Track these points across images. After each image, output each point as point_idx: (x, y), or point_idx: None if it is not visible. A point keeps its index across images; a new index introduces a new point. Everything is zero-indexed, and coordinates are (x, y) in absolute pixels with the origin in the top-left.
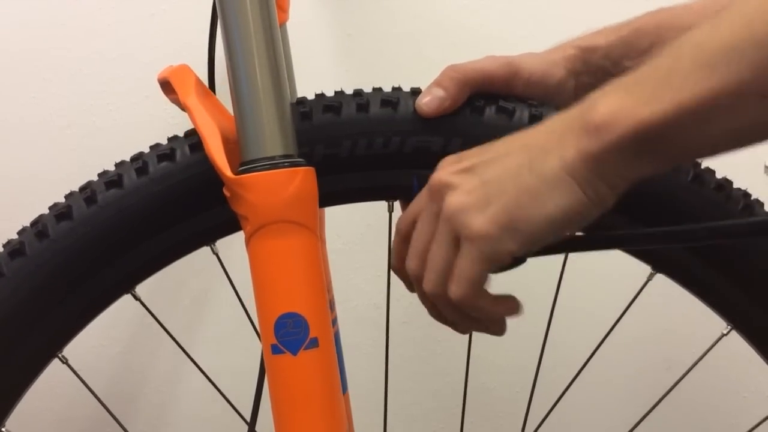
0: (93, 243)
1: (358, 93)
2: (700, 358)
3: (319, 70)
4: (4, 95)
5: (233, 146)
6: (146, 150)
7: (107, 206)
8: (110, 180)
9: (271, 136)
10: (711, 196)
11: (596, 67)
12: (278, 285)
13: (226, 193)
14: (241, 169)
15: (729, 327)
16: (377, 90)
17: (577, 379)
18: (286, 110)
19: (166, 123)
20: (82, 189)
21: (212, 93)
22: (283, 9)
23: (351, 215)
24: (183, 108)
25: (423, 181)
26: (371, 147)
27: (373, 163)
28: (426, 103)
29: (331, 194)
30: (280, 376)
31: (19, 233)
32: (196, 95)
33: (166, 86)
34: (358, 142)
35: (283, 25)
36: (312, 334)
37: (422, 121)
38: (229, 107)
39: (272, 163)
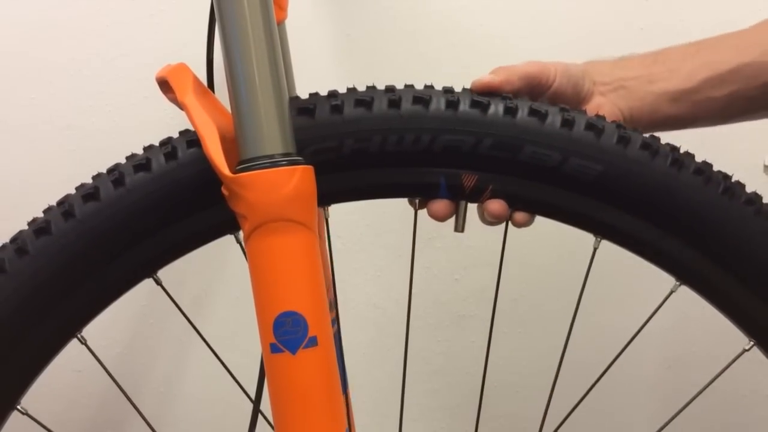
0: (118, 225)
1: (390, 89)
2: (721, 372)
3: (319, 69)
4: (3, 96)
5: (231, 145)
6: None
7: (134, 189)
8: (138, 163)
9: (269, 135)
10: (740, 209)
11: (610, 70)
12: (277, 283)
13: (225, 192)
14: (239, 167)
15: (751, 342)
16: (409, 86)
17: (577, 379)
18: (284, 108)
19: (165, 123)
20: (110, 171)
21: (210, 92)
22: (282, 7)
23: (350, 216)
24: (181, 107)
25: (450, 180)
26: (401, 143)
27: (401, 160)
28: (480, 78)
29: (359, 189)
30: (280, 375)
31: (44, 212)
32: (194, 94)
33: (164, 85)
34: (388, 138)
35: (281, 23)
36: (311, 332)
37: (453, 120)
38: (228, 106)
39: (270, 162)
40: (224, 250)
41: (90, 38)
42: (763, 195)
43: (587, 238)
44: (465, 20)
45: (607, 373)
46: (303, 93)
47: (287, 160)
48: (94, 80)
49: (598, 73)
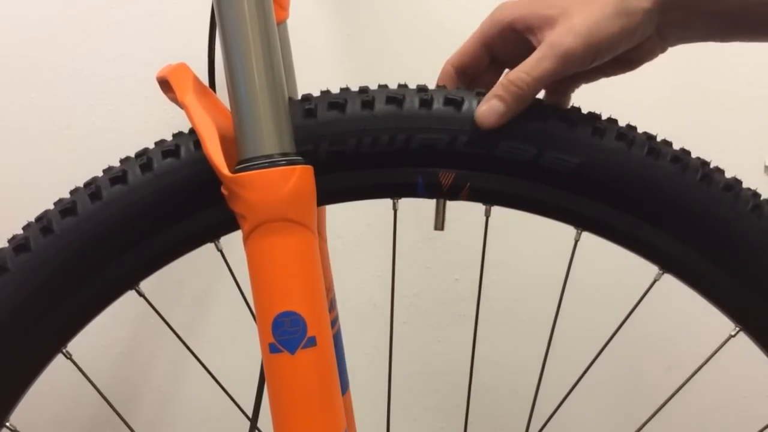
0: (97, 239)
1: (363, 90)
2: (708, 359)
3: (320, 69)
4: (3, 96)
5: (232, 145)
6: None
7: (112, 202)
8: (115, 176)
9: (268, 135)
10: (719, 195)
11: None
12: (275, 283)
13: (224, 191)
14: (238, 167)
15: (737, 328)
16: (383, 87)
17: (574, 379)
18: (283, 108)
19: (165, 123)
20: (87, 185)
21: (211, 91)
22: (283, 7)
23: (351, 215)
24: (181, 107)
25: (428, 179)
26: (376, 144)
27: (378, 161)
28: (486, 115)
29: (336, 192)
30: (278, 375)
31: (24, 228)
32: (194, 93)
33: (165, 85)
34: (363, 140)
35: (283, 23)
36: (310, 332)
37: (428, 119)
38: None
39: (269, 162)
40: (225, 250)
41: (91, 38)
42: (763, 195)
43: (589, 237)
44: (465, 20)
45: (607, 373)
46: (305, 93)
47: (286, 160)
48: (94, 80)
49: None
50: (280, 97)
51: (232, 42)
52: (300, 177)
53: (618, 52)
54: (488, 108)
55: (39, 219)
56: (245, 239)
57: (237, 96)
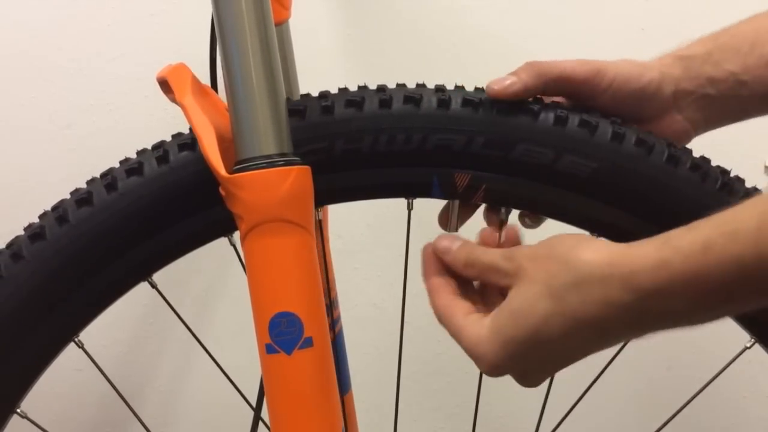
0: (112, 229)
1: (381, 88)
2: (721, 371)
3: (320, 69)
4: (4, 96)
5: (230, 144)
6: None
7: (127, 193)
8: (131, 167)
9: (266, 135)
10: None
11: (697, 73)
12: (272, 284)
13: (222, 192)
14: (235, 168)
15: (752, 340)
16: (401, 86)
17: (577, 379)
18: (280, 109)
19: (166, 123)
20: (103, 176)
21: (212, 91)
22: (285, 6)
23: (351, 215)
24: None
25: (443, 179)
26: (392, 143)
27: (393, 160)
28: (495, 81)
29: (350, 190)
30: (275, 375)
31: (40, 217)
32: (192, 94)
33: (165, 86)
34: (379, 138)
35: (285, 22)
36: (306, 333)
37: (444, 119)
38: None
39: (267, 162)
40: (226, 249)
41: (91, 37)
42: None
43: None
44: (466, 20)
45: (607, 373)
46: (307, 92)
47: (284, 160)
48: (95, 80)
49: (684, 77)
50: (278, 98)
51: (230, 42)
52: (297, 177)
53: None
54: (498, 78)
55: (55, 208)
56: (242, 240)
57: (235, 96)
